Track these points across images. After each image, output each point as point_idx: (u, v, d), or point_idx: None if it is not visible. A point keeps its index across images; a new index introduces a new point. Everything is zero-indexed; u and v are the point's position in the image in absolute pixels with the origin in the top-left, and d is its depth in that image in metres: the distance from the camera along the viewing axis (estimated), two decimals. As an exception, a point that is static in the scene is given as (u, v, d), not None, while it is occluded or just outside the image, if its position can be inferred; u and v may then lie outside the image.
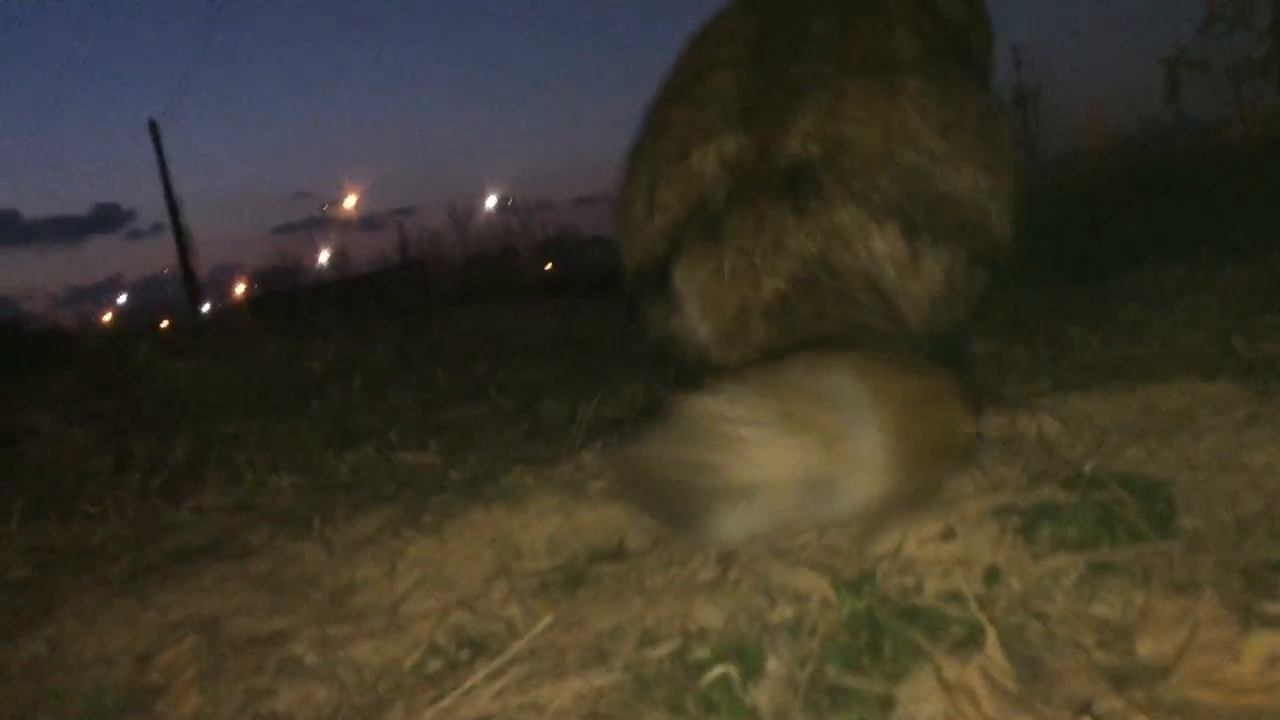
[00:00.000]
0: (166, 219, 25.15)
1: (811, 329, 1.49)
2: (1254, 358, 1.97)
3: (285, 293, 32.03)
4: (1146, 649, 0.96)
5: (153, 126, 24.14)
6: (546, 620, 1.12)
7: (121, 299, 52.94)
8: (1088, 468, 1.26)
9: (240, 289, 38.27)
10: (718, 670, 0.98)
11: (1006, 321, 2.87)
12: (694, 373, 1.55)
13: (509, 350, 3.44)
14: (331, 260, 37.93)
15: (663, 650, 1.03)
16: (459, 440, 2.25)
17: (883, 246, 1.55)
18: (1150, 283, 3.31)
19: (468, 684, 1.02)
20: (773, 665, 0.99)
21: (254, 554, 1.51)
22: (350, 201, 36.30)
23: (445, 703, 1.01)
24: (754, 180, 1.57)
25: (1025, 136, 30.49)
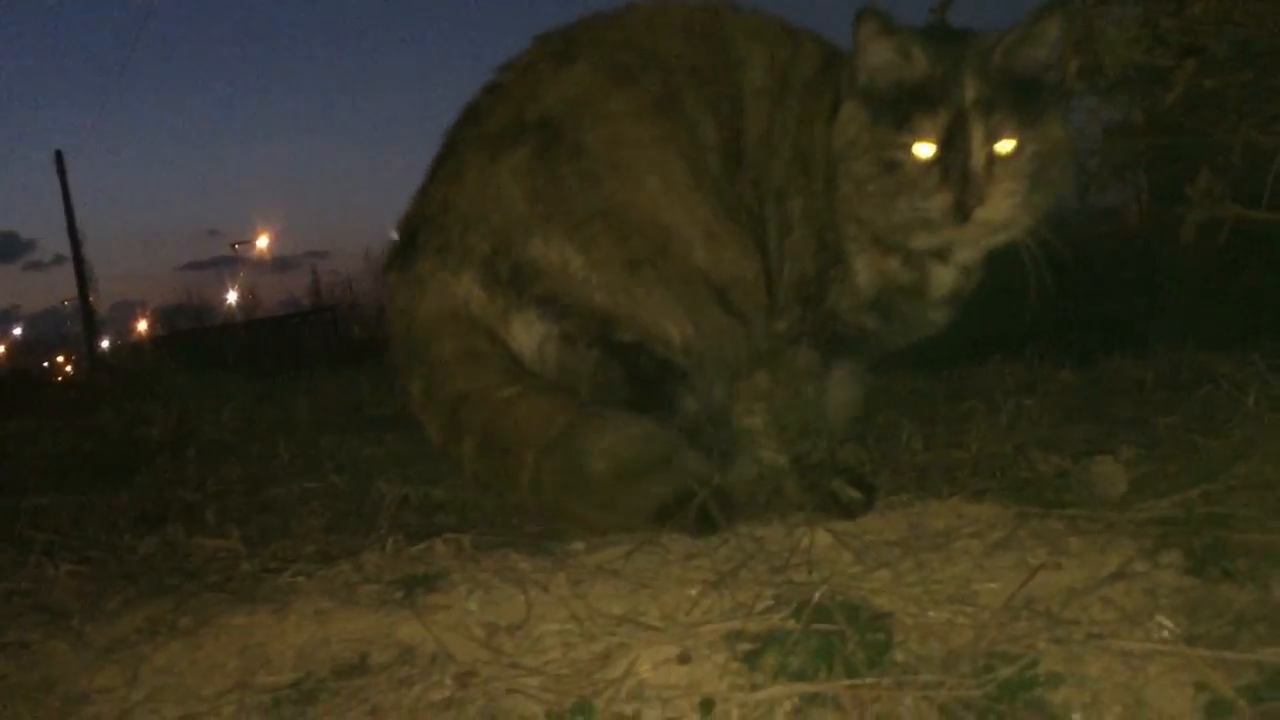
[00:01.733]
0: (68, 250, 24.42)
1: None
2: (1037, 474, 2.05)
3: (191, 332, 31.26)
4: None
5: (58, 157, 23.54)
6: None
7: (16, 330, 51.16)
8: (817, 595, 1.30)
9: (142, 326, 37.31)
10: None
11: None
12: None
13: (364, 420, 3.41)
14: (241, 300, 37.16)
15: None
16: (273, 523, 2.23)
17: (461, 292, 1.74)
18: (993, 377, 3.42)
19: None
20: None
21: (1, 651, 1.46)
22: (262, 241, 35.73)
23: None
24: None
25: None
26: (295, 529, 2.13)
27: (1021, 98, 1.57)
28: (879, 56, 1.62)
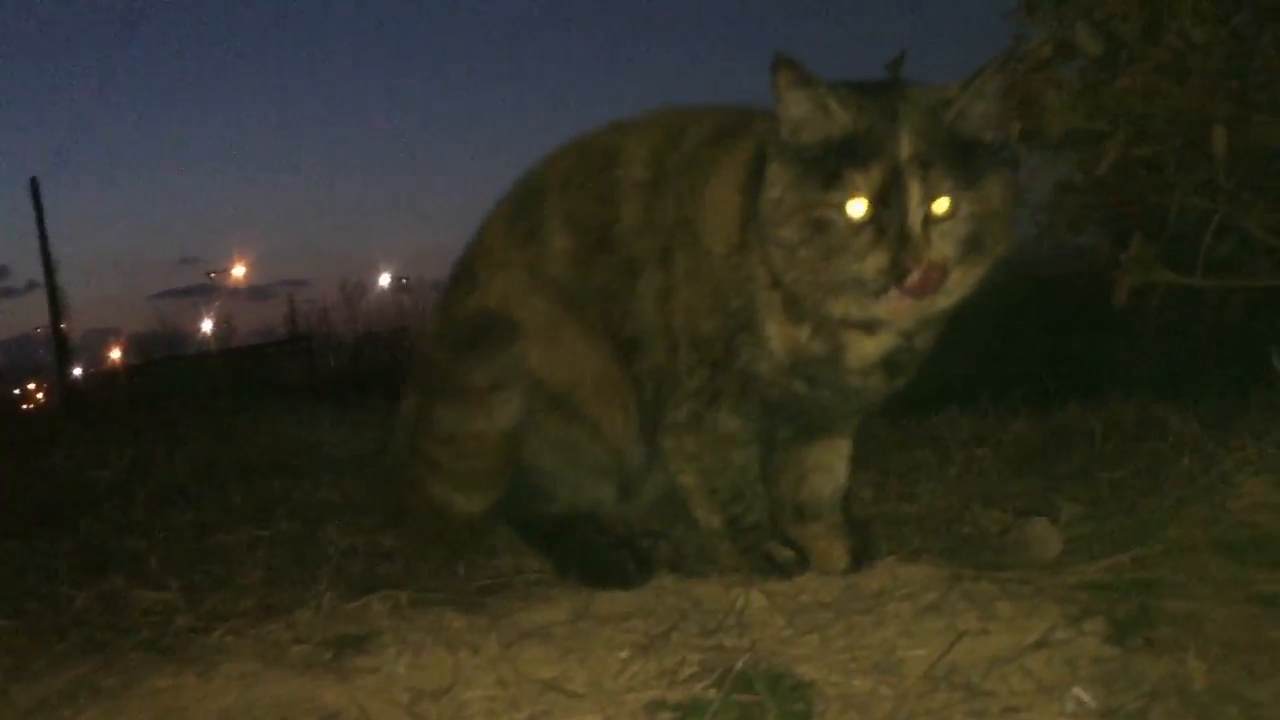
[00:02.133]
0: (41, 277, 24.23)
1: None
2: (979, 530, 2.07)
3: (165, 360, 31.01)
4: None
5: (33, 184, 23.35)
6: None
7: (-11, 357, 50.62)
8: (739, 664, 1.30)
9: (115, 353, 36.98)
10: None
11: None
12: None
13: (322, 461, 3.39)
14: (216, 329, 36.88)
15: None
16: (217, 572, 2.21)
17: None
18: (948, 426, 3.45)
19: None
20: None
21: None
22: (239, 269, 35.50)
23: None
24: None
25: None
26: (237, 580, 2.11)
27: (960, 155, 1.48)
28: (798, 108, 1.53)
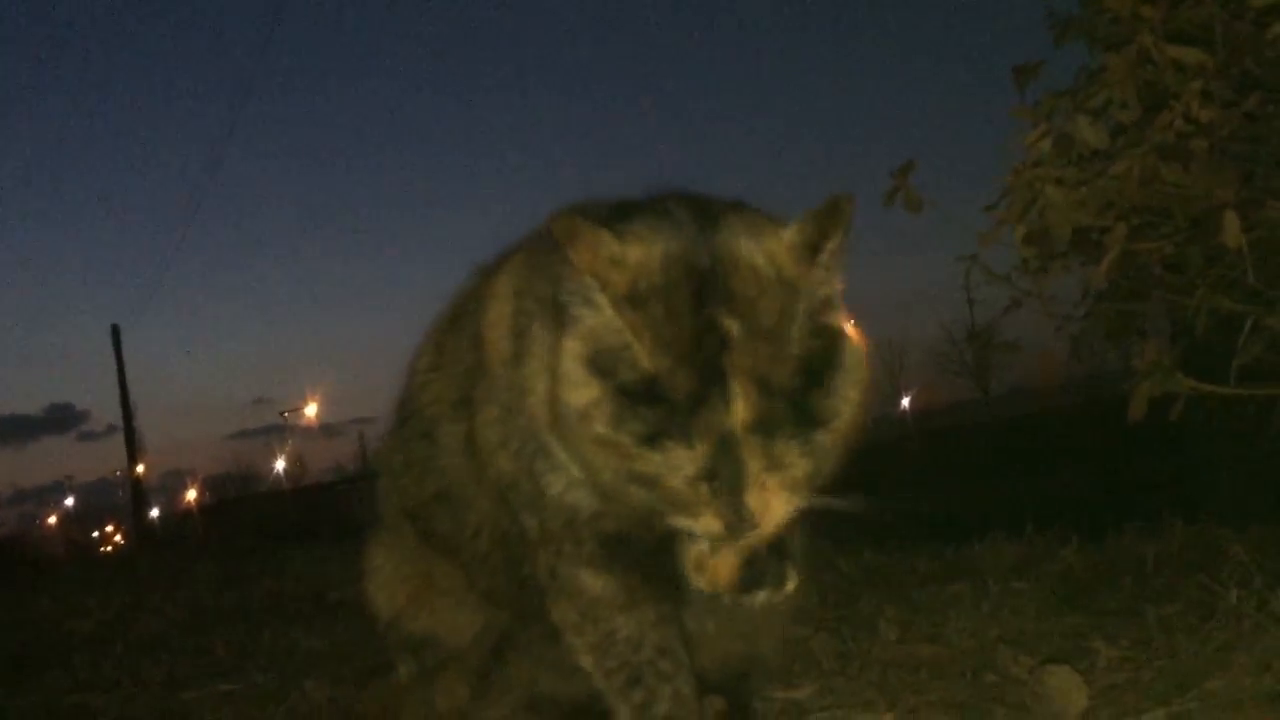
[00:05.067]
0: (119, 420, 24.91)
1: None
2: (1006, 677, 1.84)
3: (237, 499, 31.51)
4: None
5: (114, 331, 24.32)
6: None
7: (69, 500, 51.94)
8: None
9: (191, 494, 37.66)
10: None
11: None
12: None
13: (319, 606, 3.24)
14: (288, 468, 37.45)
15: None
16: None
17: None
18: (989, 556, 3.20)
19: None
20: None
21: None
22: (311, 409, 36.23)
23: None
24: None
25: (978, 374, 31.20)
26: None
27: (808, 383, 1.12)
28: (591, 318, 1.14)
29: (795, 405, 1.10)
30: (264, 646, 2.77)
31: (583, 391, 1.14)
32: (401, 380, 1.61)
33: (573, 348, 1.15)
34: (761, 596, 1.25)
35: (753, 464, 1.08)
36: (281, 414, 39.31)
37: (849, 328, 1.17)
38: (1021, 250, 1.98)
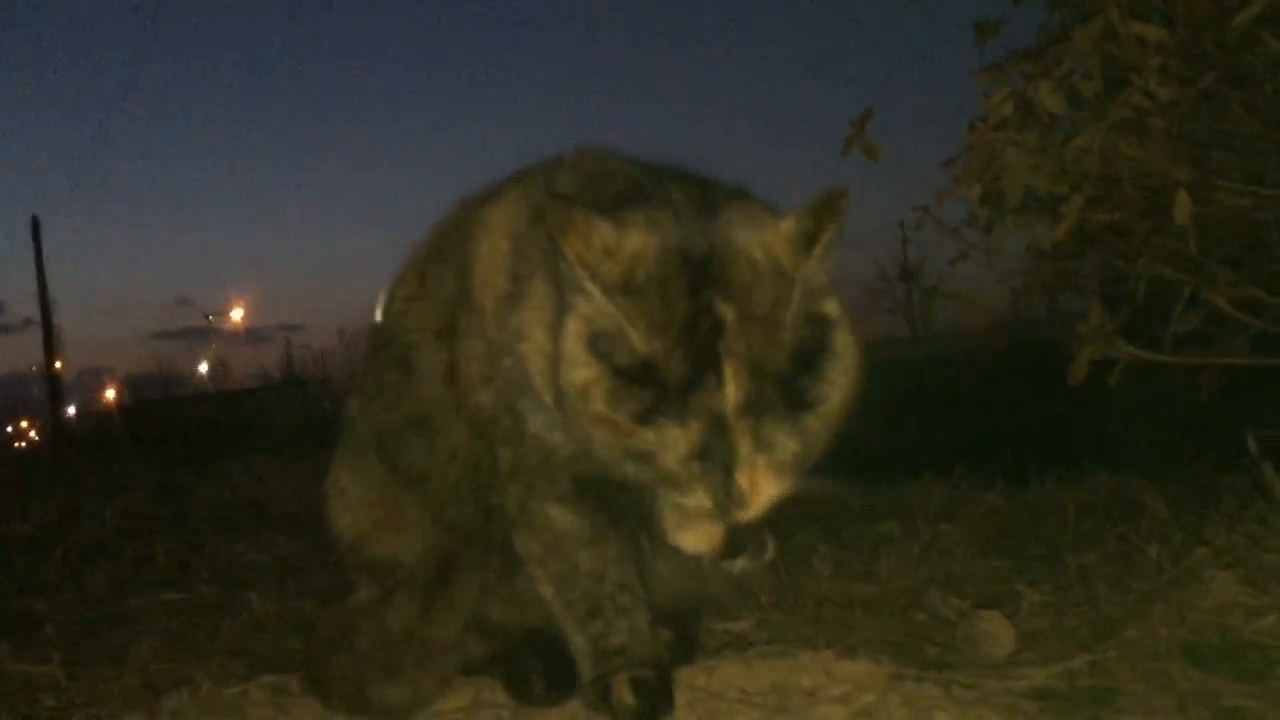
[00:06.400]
0: (37, 314, 24.16)
1: None
2: (934, 618, 1.93)
3: (159, 401, 30.86)
4: None
5: (35, 223, 23.38)
6: None
7: (-21, 394, 50.47)
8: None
9: (110, 393, 36.81)
10: None
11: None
12: None
13: (260, 519, 3.24)
14: (211, 372, 36.75)
15: None
16: (115, 641, 2.06)
17: None
18: (920, 495, 3.31)
19: None
20: None
21: None
22: (237, 312, 35.45)
23: None
24: None
25: (908, 312, 31.58)
26: (131, 653, 1.96)
27: (799, 368, 1.15)
28: (586, 304, 1.17)
29: (786, 389, 1.14)
30: (206, 557, 2.77)
31: (582, 371, 1.17)
32: (379, 306, 1.62)
33: (574, 328, 1.19)
34: (740, 564, 1.31)
35: (743, 444, 1.12)
36: (206, 316, 38.47)
37: (840, 316, 1.21)
38: (977, 208, 2.03)
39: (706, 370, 1.12)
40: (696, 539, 1.27)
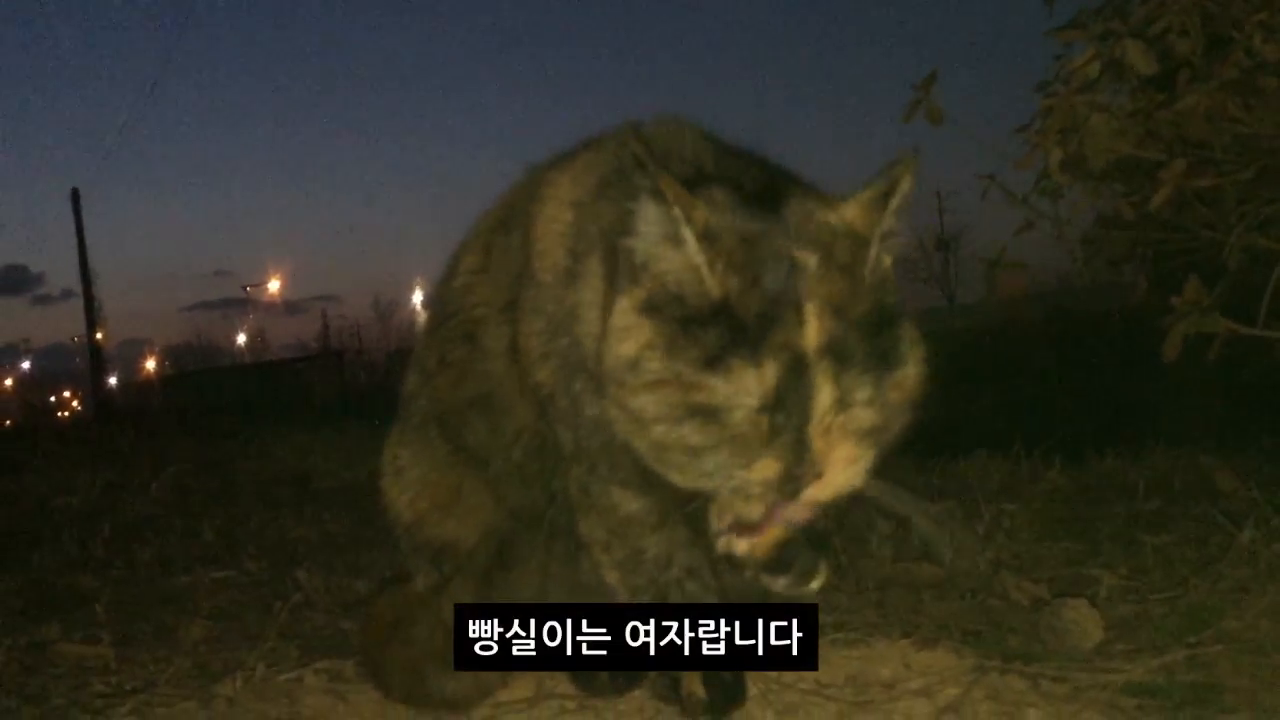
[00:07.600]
0: (77, 285, 24.42)
1: None
2: (1009, 604, 1.84)
3: (198, 372, 31.24)
4: None
5: (74, 195, 23.61)
6: None
7: (25, 364, 51.28)
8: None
9: (150, 364, 37.29)
10: None
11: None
12: None
13: (306, 494, 3.21)
14: (249, 343, 37.13)
15: None
16: (165, 620, 2.03)
17: None
18: (977, 473, 3.22)
19: None
20: None
21: None
22: (274, 284, 35.75)
23: None
24: None
25: (944, 281, 31.28)
26: (182, 634, 1.92)
27: (880, 324, 1.07)
28: (651, 242, 1.09)
29: (869, 341, 1.05)
30: (253, 533, 2.74)
31: (633, 339, 1.08)
32: (441, 279, 1.55)
33: (626, 303, 1.10)
34: (783, 583, 1.22)
35: (823, 391, 1.02)
36: (244, 288, 38.83)
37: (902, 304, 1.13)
38: (1056, 175, 1.93)
39: (786, 308, 1.03)
40: (742, 540, 1.18)
